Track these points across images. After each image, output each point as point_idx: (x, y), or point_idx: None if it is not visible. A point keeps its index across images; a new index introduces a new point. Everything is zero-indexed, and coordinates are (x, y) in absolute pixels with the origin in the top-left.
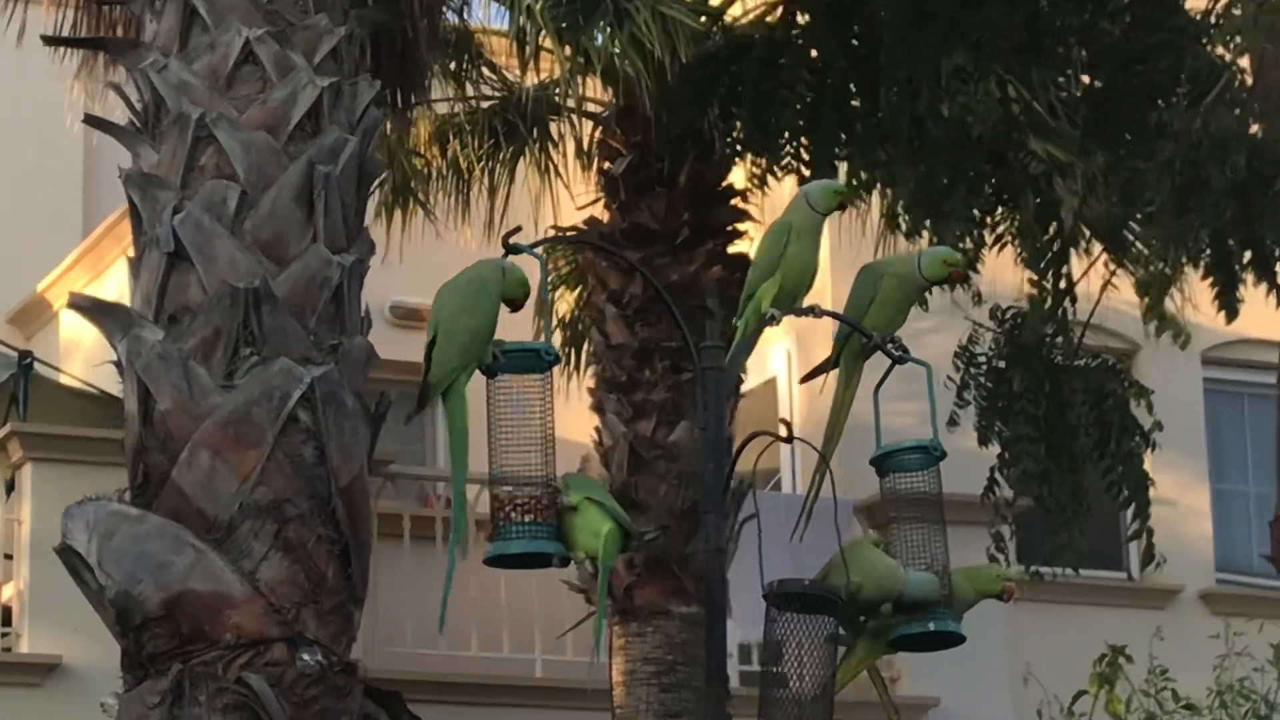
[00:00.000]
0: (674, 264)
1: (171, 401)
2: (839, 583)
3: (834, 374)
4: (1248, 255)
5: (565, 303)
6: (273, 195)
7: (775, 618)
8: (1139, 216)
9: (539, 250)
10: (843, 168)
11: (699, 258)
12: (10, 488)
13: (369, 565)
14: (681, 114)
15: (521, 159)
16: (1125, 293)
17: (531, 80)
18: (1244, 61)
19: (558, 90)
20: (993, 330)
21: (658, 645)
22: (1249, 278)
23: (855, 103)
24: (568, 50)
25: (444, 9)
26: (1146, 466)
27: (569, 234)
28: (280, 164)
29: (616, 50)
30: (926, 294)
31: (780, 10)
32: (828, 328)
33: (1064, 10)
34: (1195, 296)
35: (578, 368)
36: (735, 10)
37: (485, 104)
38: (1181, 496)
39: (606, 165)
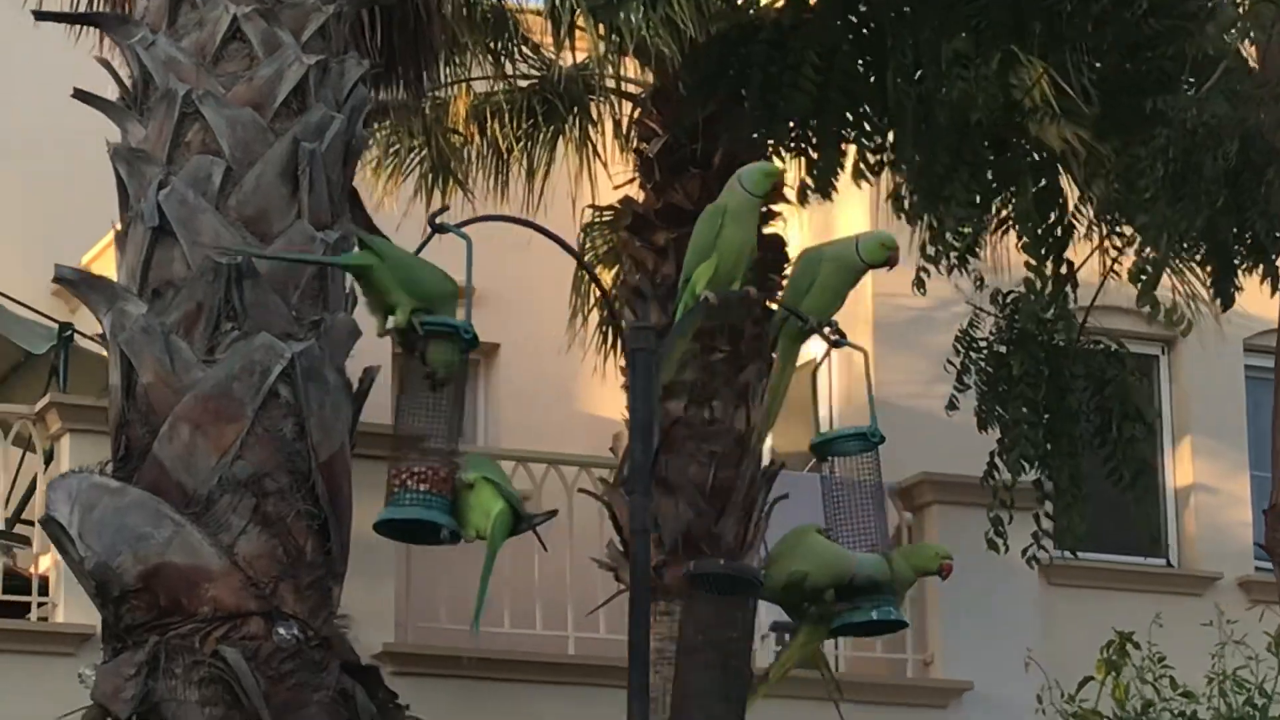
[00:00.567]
0: None
1: (153, 375)
2: (782, 572)
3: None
4: (1248, 240)
5: (603, 281)
6: (257, 171)
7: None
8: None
9: (465, 229)
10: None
11: None
12: (49, 458)
13: (349, 541)
14: (692, 95)
15: (560, 139)
16: (1161, 279)
17: (569, 60)
18: (1246, 50)
19: (595, 70)
20: (994, 315)
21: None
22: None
23: (863, 84)
24: (601, 29)
25: None
26: (1184, 454)
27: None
28: (266, 141)
29: (648, 30)
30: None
31: None
32: None
33: None
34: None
35: (614, 347)
36: None
37: (524, 83)
38: (1222, 484)
39: (642, 146)
